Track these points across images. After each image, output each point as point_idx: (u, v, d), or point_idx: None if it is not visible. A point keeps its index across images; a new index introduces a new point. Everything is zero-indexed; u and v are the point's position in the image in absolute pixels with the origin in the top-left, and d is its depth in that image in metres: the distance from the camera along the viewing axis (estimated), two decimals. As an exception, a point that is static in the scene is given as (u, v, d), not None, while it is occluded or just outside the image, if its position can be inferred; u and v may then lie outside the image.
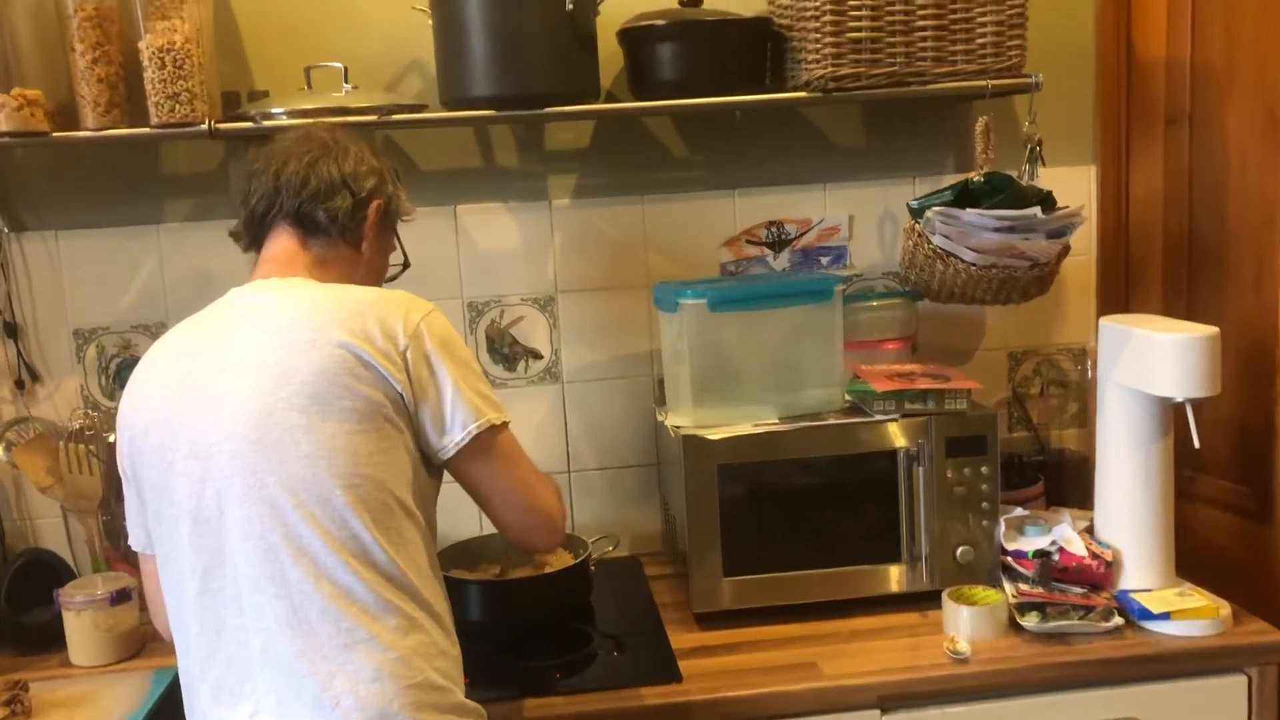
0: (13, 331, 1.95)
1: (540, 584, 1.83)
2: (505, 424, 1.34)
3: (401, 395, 1.26)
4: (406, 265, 1.58)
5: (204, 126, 1.73)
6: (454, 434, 1.29)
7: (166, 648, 1.72)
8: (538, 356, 2.09)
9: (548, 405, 2.09)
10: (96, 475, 1.86)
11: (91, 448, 1.87)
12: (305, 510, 1.21)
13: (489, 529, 2.05)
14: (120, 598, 1.75)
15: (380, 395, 1.25)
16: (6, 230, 1.93)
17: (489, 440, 1.32)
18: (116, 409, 1.85)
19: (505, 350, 2.08)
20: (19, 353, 1.96)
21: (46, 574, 1.85)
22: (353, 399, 1.23)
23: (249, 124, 1.75)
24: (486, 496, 1.37)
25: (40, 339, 1.97)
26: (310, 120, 1.65)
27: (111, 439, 1.88)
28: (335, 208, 1.38)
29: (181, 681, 1.30)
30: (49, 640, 1.76)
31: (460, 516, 2.05)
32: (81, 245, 1.96)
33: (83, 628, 1.73)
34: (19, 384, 1.96)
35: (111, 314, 1.98)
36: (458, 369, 1.30)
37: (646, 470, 2.12)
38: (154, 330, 1.98)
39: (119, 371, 1.98)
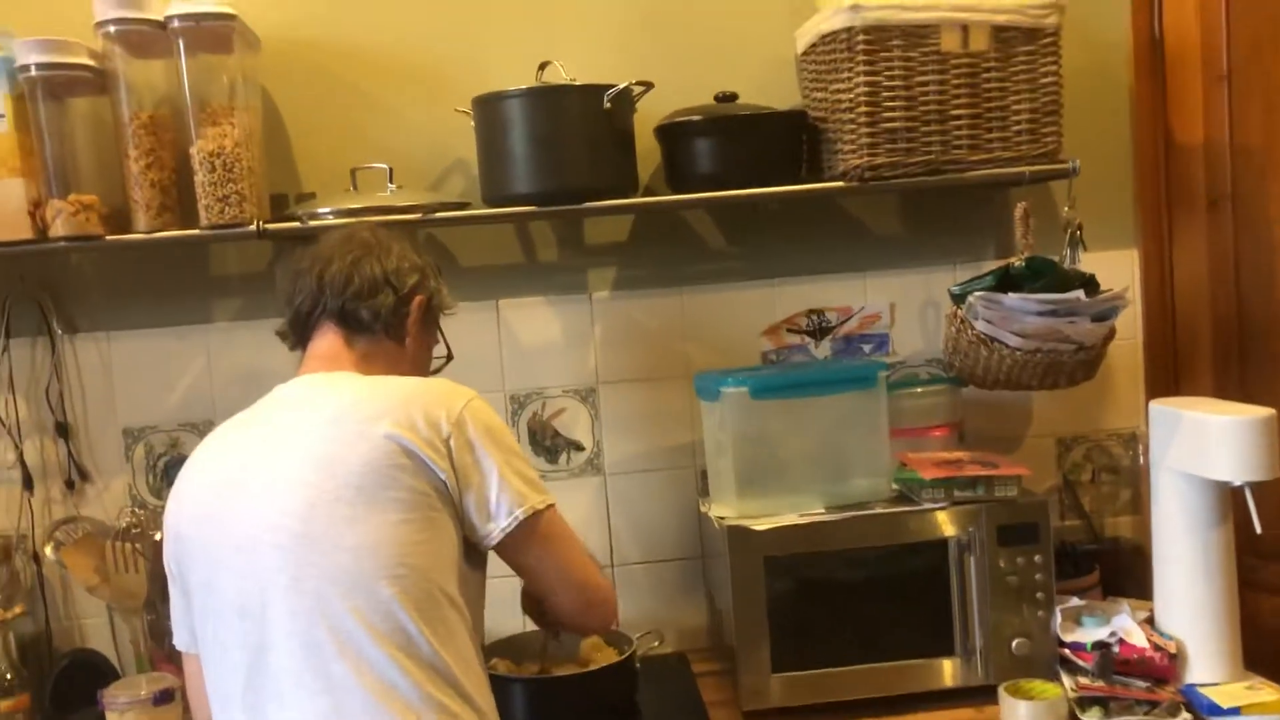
0: (64, 431, 1.98)
1: (585, 681, 1.79)
2: (551, 506, 1.34)
3: (446, 484, 1.26)
4: (450, 358, 1.59)
5: (253, 228, 1.77)
6: (499, 520, 1.29)
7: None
8: (580, 448, 2.08)
9: (590, 497, 2.08)
10: (143, 574, 1.87)
11: (138, 546, 1.87)
12: (350, 603, 1.20)
13: (532, 625, 2.04)
14: (163, 698, 1.74)
15: (426, 485, 1.25)
16: (60, 333, 1.98)
17: (535, 524, 1.31)
18: (163, 507, 1.87)
19: (547, 443, 2.07)
20: (69, 453, 1.99)
21: (91, 674, 1.85)
22: (398, 490, 1.23)
23: (296, 224, 1.79)
24: (538, 579, 1.37)
25: (90, 438, 2.00)
26: (355, 220, 1.68)
27: (158, 537, 1.89)
28: (378, 305, 1.40)
29: None
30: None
31: (503, 611, 2.04)
32: (132, 346, 2.00)
33: (128, 731, 1.72)
34: (69, 484, 1.98)
35: (160, 413, 2.01)
36: (501, 454, 1.30)
37: (691, 563, 2.09)
38: (201, 429, 2.00)
39: (166, 470, 2.00)
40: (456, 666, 1.24)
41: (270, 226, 1.79)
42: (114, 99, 1.76)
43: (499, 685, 1.75)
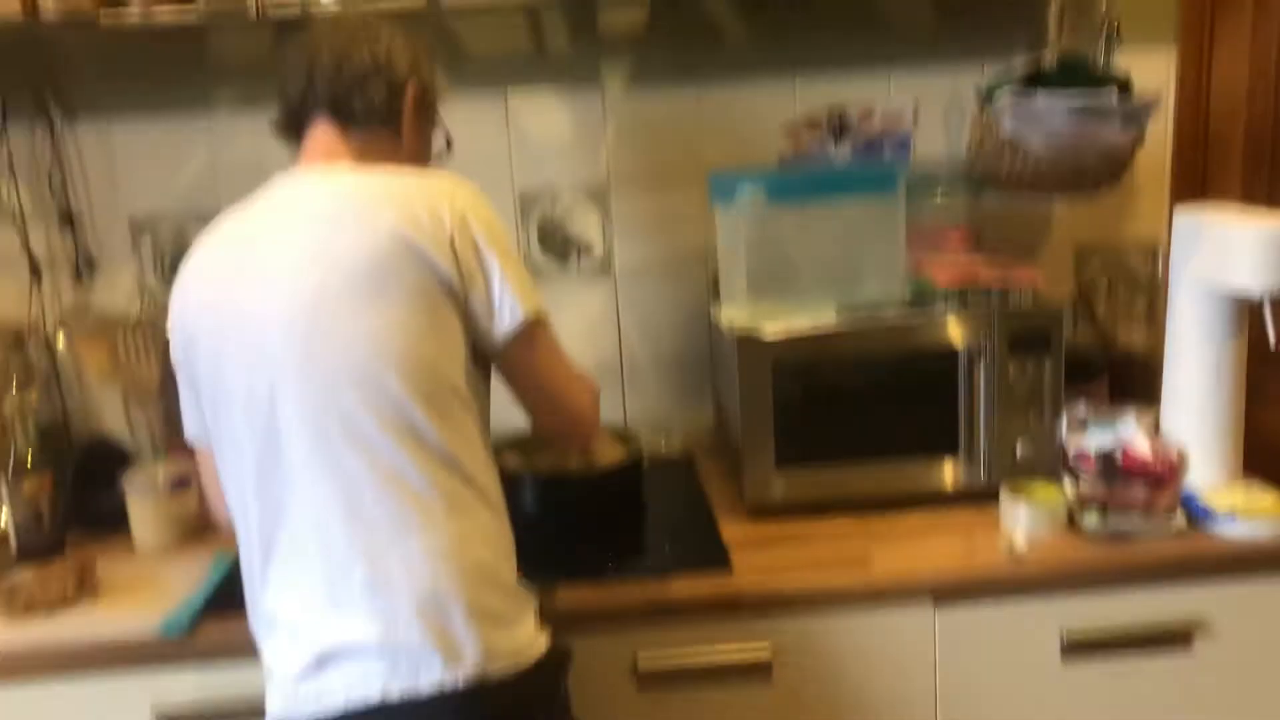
0: (70, 220, 1.96)
1: (592, 478, 1.83)
2: (547, 319, 1.34)
3: (450, 281, 1.25)
4: (449, 145, 1.55)
5: (250, 10, 1.69)
6: (503, 322, 1.29)
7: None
8: (590, 250, 2.06)
9: (600, 299, 2.07)
10: (154, 363, 1.88)
11: (150, 336, 1.88)
12: (358, 393, 1.20)
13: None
14: (180, 484, 1.78)
15: (430, 279, 1.23)
16: (61, 119, 1.92)
17: (533, 332, 1.31)
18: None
19: (557, 243, 2.05)
20: (75, 242, 1.97)
21: (110, 459, 1.89)
22: (403, 283, 1.22)
23: (295, 8, 1.71)
24: (521, 389, 1.37)
25: (96, 227, 1.98)
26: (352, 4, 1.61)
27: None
28: (370, 95, 1.36)
29: (242, 566, 1.32)
30: (114, 522, 1.80)
31: (515, 409, 2.07)
32: (134, 134, 1.95)
33: (146, 512, 1.77)
34: (77, 273, 1.98)
35: (166, 202, 1.98)
36: (502, 254, 1.29)
37: (699, 365, 2.10)
38: (208, 218, 1.95)
39: (174, 260, 1.99)
40: (466, 457, 1.26)
41: (270, 13, 1.71)
42: None
43: (507, 480, 1.79)
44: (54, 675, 1.48)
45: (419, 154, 1.45)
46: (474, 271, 1.26)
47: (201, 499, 1.45)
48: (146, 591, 1.62)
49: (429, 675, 1.19)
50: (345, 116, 1.36)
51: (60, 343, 1.92)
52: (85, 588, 1.60)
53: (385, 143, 1.39)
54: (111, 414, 2.01)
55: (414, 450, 1.22)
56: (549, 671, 1.31)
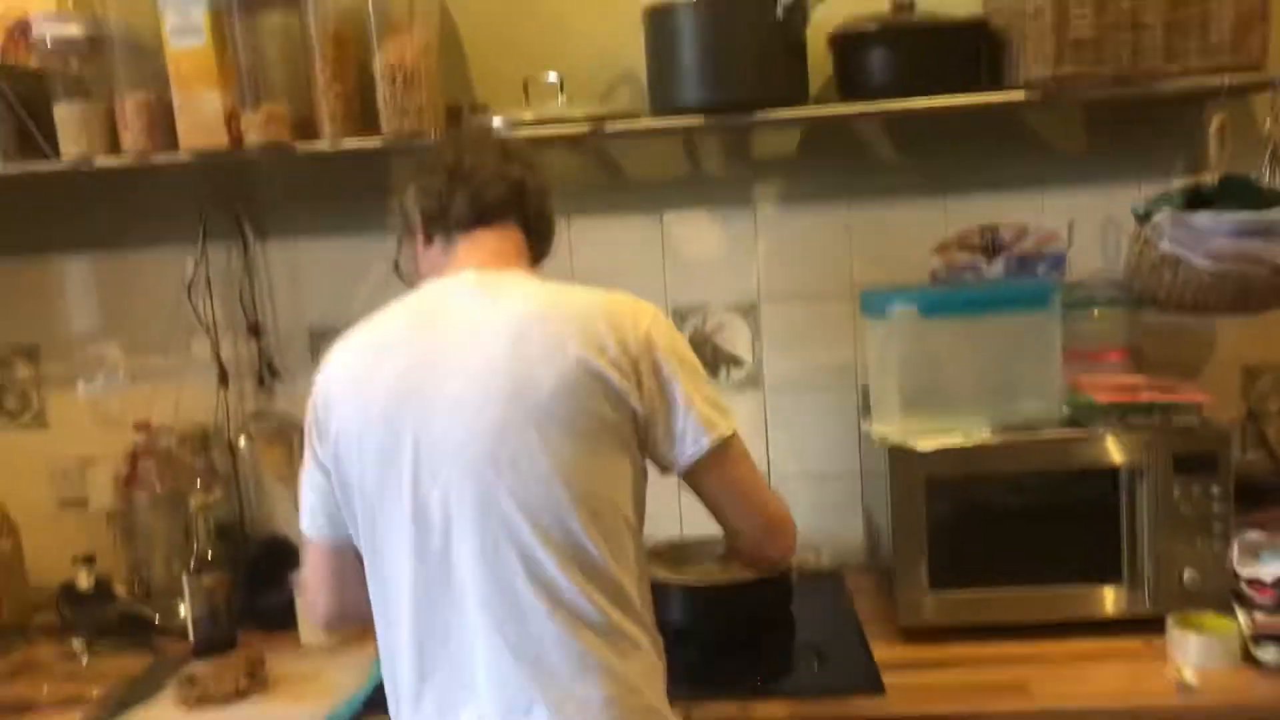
0: (256, 331, 2.11)
1: (741, 591, 1.82)
2: (735, 433, 1.32)
3: (636, 411, 1.25)
4: None
5: (431, 138, 1.82)
6: (686, 448, 1.28)
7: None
8: (739, 363, 2.09)
9: (749, 412, 2.10)
10: (326, 467, 1.98)
11: (322, 441, 1.99)
12: (541, 531, 1.20)
13: (690, 530, 2.09)
14: (346, 583, 1.86)
15: (615, 412, 1.24)
16: (252, 238, 2.09)
17: (723, 451, 1.30)
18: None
19: (708, 357, 2.09)
20: (260, 351, 2.11)
21: (281, 558, 1.97)
22: (588, 416, 1.22)
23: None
24: (720, 507, 1.36)
25: (280, 338, 2.13)
26: (527, 131, 1.70)
27: (340, 433, 2.00)
28: (545, 210, 1.43)
29: (385, 674, 1.30)
30: (283, 619, 1.88)
31: (663, 517, 2.09)
32: (318, 252, 2.10)
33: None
34: (260, 380, 2.12)
35: (344, 316, 2.08)
36: (688, 378, 1.28)
37: (848, 481, 2.09)
38: (379, 332, 2.10)
39: (348, 370, 2.11)
40: (634, 592, 1.25)
41: (447, 138, 1.83)
42: (302, 13, 1.82)
43: (658, 589, 1.80)
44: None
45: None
46: (656, 397, 1.26)
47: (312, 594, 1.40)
48: (312, 685, 1.68)
49: None
50: (527, 226, 1.40)
51: (242, 445, 2.05)
52: (256, 681, 1.68)
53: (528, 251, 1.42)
54: (284, 514, 2.11)
55: (594, 591, 1.21)
56: None
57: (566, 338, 1.23)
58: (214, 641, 1.76)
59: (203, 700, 1.64)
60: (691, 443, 1.28)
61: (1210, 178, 1.73)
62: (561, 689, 1.20)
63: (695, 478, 1.32)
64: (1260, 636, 1.56)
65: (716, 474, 1.32)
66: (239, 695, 1.65)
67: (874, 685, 1.57)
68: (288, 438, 1.99)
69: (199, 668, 1.67)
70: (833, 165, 2.03)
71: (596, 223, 2.05)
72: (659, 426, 1.27)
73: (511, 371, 1.22)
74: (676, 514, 2.10)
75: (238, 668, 1.67)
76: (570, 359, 1.22)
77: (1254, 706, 1.47)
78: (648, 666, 1.26)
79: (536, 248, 1.43)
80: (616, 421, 1.24)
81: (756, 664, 1.68)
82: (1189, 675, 1.51)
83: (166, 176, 1.99)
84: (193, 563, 1.84)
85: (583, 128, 1.82)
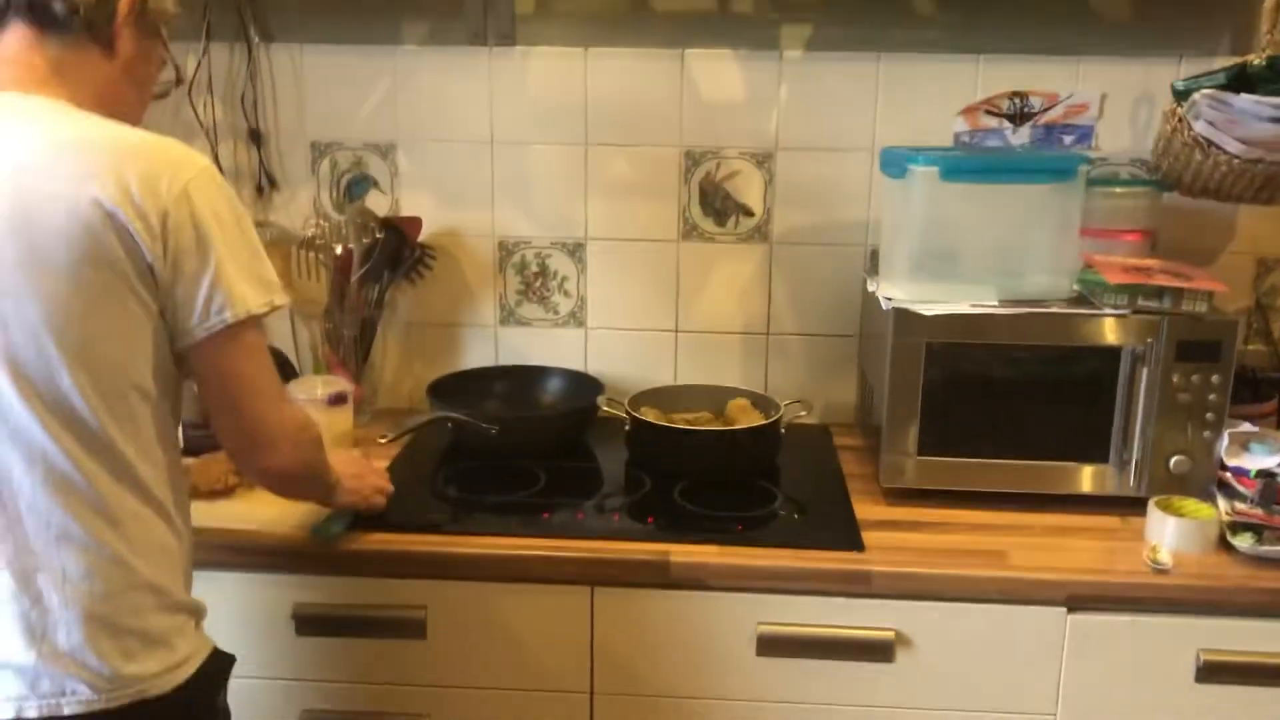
0: (256, 138, 2.05)
1: (728, 438, 1.84)
2: (268, 311, 1.20)
3: (153, 266, 1.12)
4: (180, 80, 1.38)
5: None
6: (205, 319, 1.15)
7: (377, 452, 1.83)
8: (749, 214, 2.05)
9: (754, 264, 2.07)
10: (323, 283, 1.96)
11: (320, 256, 1.96)
12: (25, 386, 1.10)
13: (684, 379, 2.09)
14: (337, 400, 1.86)
15: (129, 265, 1.11)
16: (257, 40, 2.01)
17: (238, 332, 1.17)
18: (346, 221, 1.94)
19: (717, 204, 2.05)
20: (260, 159, 2.06)
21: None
22: (97, 267, 1.09)
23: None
24: (210, 392, 1.22)
25: (280, 147, 2.07)
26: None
27: (339, 250, 1.97)
28: None
29: None
30: (272, 430, 1.88)
31: (655, 363, 2.10)
32: (323, 59, 2.02)
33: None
34: (259, 189, 2.07)
35: (346, 130, 2.05)
36: (226, 242, 1.15)
37: (847, 341, 2.08)
38: (384, 149, 2.05)
39: (349, 186, 2.07)
40: (144, 465, 1.17)
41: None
42: None
43: (646, 431, 1.82)
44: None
45: (137, 78, 1.27)
46: (184, 258, 1.13)
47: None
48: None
49: (74, 698, 1.14)
50: (43, 19, 1.17)
51: (238, 254, 2.01)
52: (243, 481, 1.68)
53: (93, 60, 1.20)
54: (278, 327, 2.10)
55: (83, 455, 1.13)
56: (207, 685, 1.25)
57: (85, 175, 1.09)
58: (202, 447, 1.76)
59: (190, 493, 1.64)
60: (213, 314, 1.15)
61: (1258, 58, 1.66)
62: (34, 556, 1.13)
63: (199, 355, 1.18)
64: (1238, 524, 1.57)
65: (220, 360, 1.18)
66: (225, 492, 1.66)
67: (853, 541, 1.59)
68: (284, 249, 1.96)
69: (186, 463, 1.67)
70: (865, 14, 1.95)
71: (615, 54, 1.98)
72: (179, 290, 1.14)
73: (12, 206, 1.08)
74: (671, 362, 2.11)
75: (225, 465, 1.67)
76: (84, 198, 1.09)
77: (1225, 589, 1.50)
78: (153, 545, 1.19)
79: (83, 50, 1.20)
80: (131, 277, 1.11)
81: (738, 511, 1.70)
82: (1164, 556, 1.53)
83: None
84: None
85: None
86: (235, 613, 1.58)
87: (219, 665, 1.28)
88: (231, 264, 1.16)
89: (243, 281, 1.17)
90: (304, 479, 1.38)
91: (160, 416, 1.20)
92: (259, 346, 1.22)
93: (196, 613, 1.27)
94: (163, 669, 1.19)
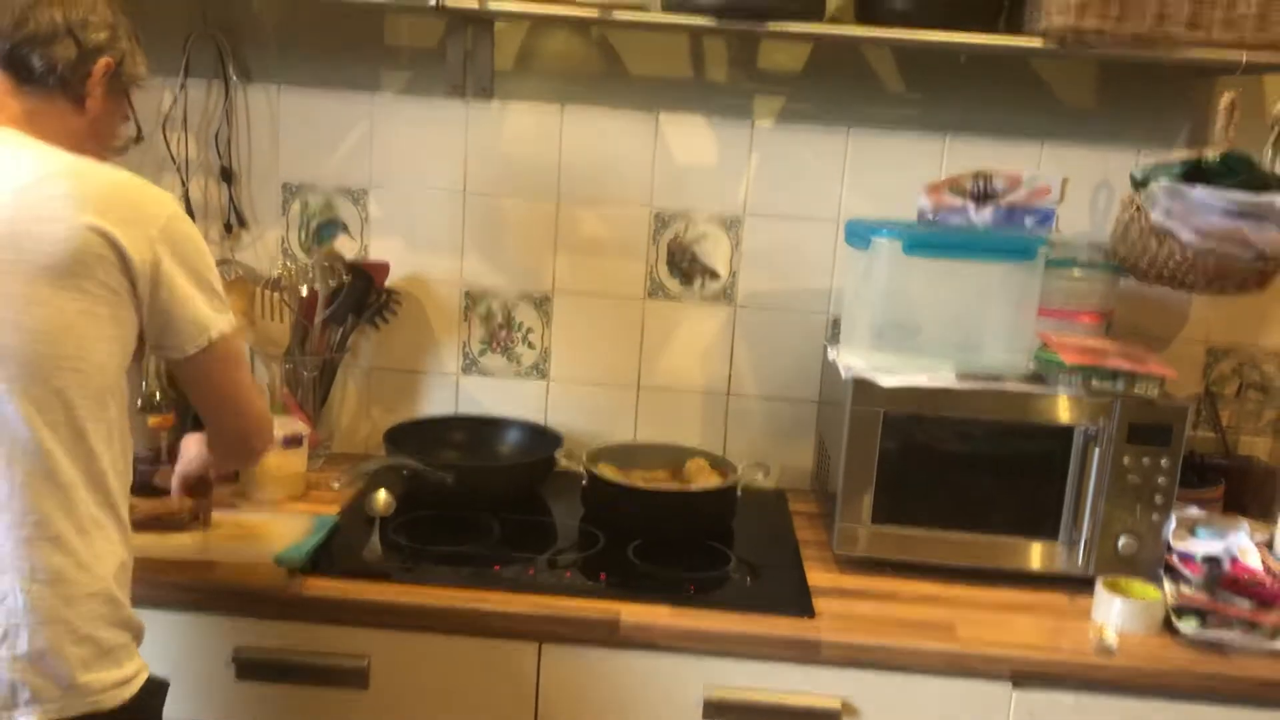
0: (228, 177, 2.05)
1: (687, 499, 1.84)
2: (236, 330, 1.32)
3: (136, 285, 1.21)
4: (139, 138, 1.47)
5: (431, 1, 1.75)
6: (186, 342, 1.26)
7: (328, 497, 1.82)
8: (715, 276, 2.07)
9: (718, 326, 2.09)
10: (286, 324, 1.95)
11: (285, 297, 1.95)
12: (17, 386, 1.15)
13: (644, 435, 2.09)
14: (292, 442, 1.84)
15: (121, 282, 1.20)
16: (234, 79, 2.02)
17: (217, 348, 1.29)
18: (313, 263, 1.94)
19: (684, 265, 2.07)
20: (230, 198, 2.06)
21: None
22: (92, 281, 1.17)
23: (474, 4, 1.76)
24: (204, 399, 1.35)
25: (251, 187, 2.07)
26: (537, 12, 1.64)
27: (304, 292, 1.97)
28: (54, 55, 1.26)
29: None
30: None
31: (614, 420, 2.10)
32: (300, 102, 2.03)
33: (258, 465, 1.83)
34: (228, 227, 2.06)
35: (319, 173, 2.06)
36: (198, 272, 1.26)
37: (806, 407, 2.10)
38: (355, 195, 2.05)
39: (319, 230, 2.07)
40: (112, 474, 1.22)
41: (448, 3, 1.77)
42: None
43: (604, 489, 1.81)
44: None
45: (102, 133, 1.37)
46: (164, 282, 1.23)
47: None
48: (255, 537, 1.67)
49: (29, 708, 1.15)
50: (20, 72, 1.26)
51: (202, 290, 2.00)
52: (200, 520, 1.66)
53: (61, 111, 1.29)
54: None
55: (65, 458, 1.17)
56: (149, 706, 1.27)
57: (83, 200, 1.18)
58: (150, 484, 1.74)
59: (142, 527, 1.60)
60: (194, 336, 1.26)
61: (1213, 153, 1.71)
62: (3, 556, 1.15)
63: (188, 373, 1.31)
64: (1183, 609, 1.59)
65: (207, 369, 1.30)
66: (182, 526, 1.65)
67: (804, 607, 1.59)
68: (249, 289, 1.95)
69: (137, 503, 1.64)
70: (837, 88, 1.99)
71: (591, 112, 2.01)
72: (161, 315, 1.24)
73: (12, 219, 1.16)
74: (631, 418, 2.11)
75: (181, 505, 1.65)
76: (81, 222, 1.17)
77: (1168, 672, 1.51)
78: (111, 553, 1.22)
79: (55, 103, 1.29)
80: (118, 292, 1.20)
81: (691, 571, 1.69)
82: (1110, 636, 1.55)
83: (153, 1, 1.90)
84: (139, 401, 1.81)
85: (591, 12, 1.77)
86: (176, 652, 1.55)
87: (158, 688, 1.29)
88: (202, 292, 1.27)
89: (207, 306, 1.28)
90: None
91: (122, 424, 1.25)
92: (240, 353, 1.35)
93: (138, 633, 1.28)
94: (113, 683, 1.20)
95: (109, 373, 1.21)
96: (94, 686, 1.19)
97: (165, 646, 1.54)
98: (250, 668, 1.56)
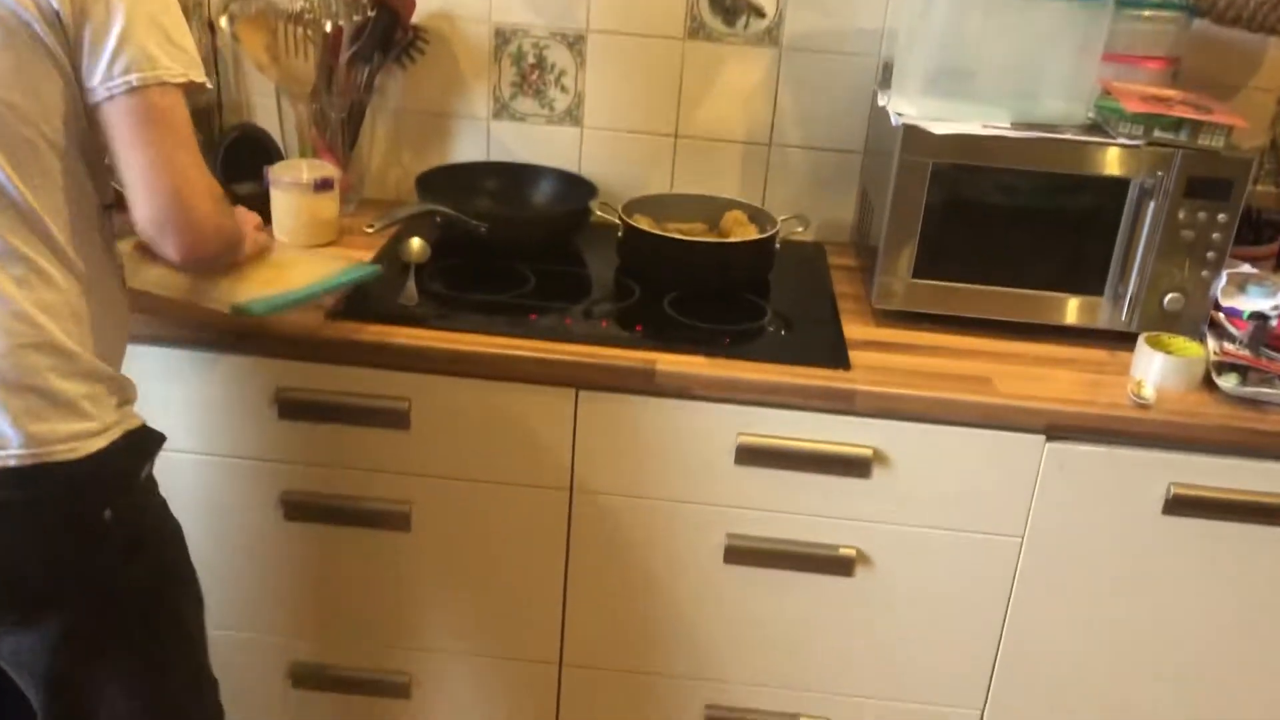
0: (243, -101, 1.92)
1: (723, 250, 1.81)
2: (183, 84, 1.16)
3: (59, 12, 1.09)
4: None
5: None
6: (110, 78, 1.12)
7: (361, 242, 1.80)
8: (760, 14, 1.96)
9: (761, 70, 1.99)
10: (311, 61, 1.87)
11: (308, 33, 1.87)
12: None
13: (680, 186, 2.04)
14: (323, 186, 1.80)
15: (35, 13, 1.08)
16: None
17: (149, 99, 1.13)
18: (336, -4, 1.82)
19: (728, 3, 1.95)
20: (246, -75, 1.93)
21: (259, 150, 1.92)
22: (2, 15, 1.07)
23: None
24: (125, 166, 1.17)
25: (268, -88, 1.94)
26: None
27: (328, 27, 1.88)
28: None
29: None
30: (256, 210, 1.83)
31: (656, 172, 2.04)
32: None
33: (288, 207, 1.80)
34: (244, -44, 1.95)
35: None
36: (143, 5, 1.12)
37: (850, 158, 2.02)
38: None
39: (340, -41, 1.95)
40: (54, 222, 1.14)
41: None
42: None
43: (637, 239, 1.78)
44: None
45: None
46: (92, 12, 1.10)
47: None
48: (271, 273, 1.61)
49: None
50: None
51: (223, 24, 1.91)
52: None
53: None
54: (264, 106, 2.02)
55: None
56: (125, 459, 1.23)
57: None
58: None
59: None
60: (116, 75, 1.12)
61: (1313, -123, 1.56)
62: None
63: (108, 119, 1.14)
64: (1224, 365, 1.58)
65: (133, 126, 1.14)
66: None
67: (840, 359, 1.58)
68: (271, 24, 1.86)
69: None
70: None
71: None
72: (85, 45, 1.11)
73: None
74: (669, 169, 2.05)
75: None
76: None
77: (1204, 427, 1.51)
78: (57, 303, 1.15)
79: None
80: (30, 19, 1.08)
81: (727, 324, 1.68)
82: (1148, 391, 1.54)
83: None
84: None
85: None
86: (217, 394, 1.58)
87: (143, 442, 1.26)
88: (143, 24, 1.12)
89: (154, 44, 1.13)
90: (217, 258, 1.33)
91: (74, 173, 1.16)
92: (176, 120, 1.16)
93: (118, 387, 1.24)
94: (71, 435, 1.16)
95: (31, 117, 1.11)
96: (46, 437, 1.14)
97: (206, 384, 1.56)
98: (292, 407, 1.59)
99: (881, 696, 1.71)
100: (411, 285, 1.65)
